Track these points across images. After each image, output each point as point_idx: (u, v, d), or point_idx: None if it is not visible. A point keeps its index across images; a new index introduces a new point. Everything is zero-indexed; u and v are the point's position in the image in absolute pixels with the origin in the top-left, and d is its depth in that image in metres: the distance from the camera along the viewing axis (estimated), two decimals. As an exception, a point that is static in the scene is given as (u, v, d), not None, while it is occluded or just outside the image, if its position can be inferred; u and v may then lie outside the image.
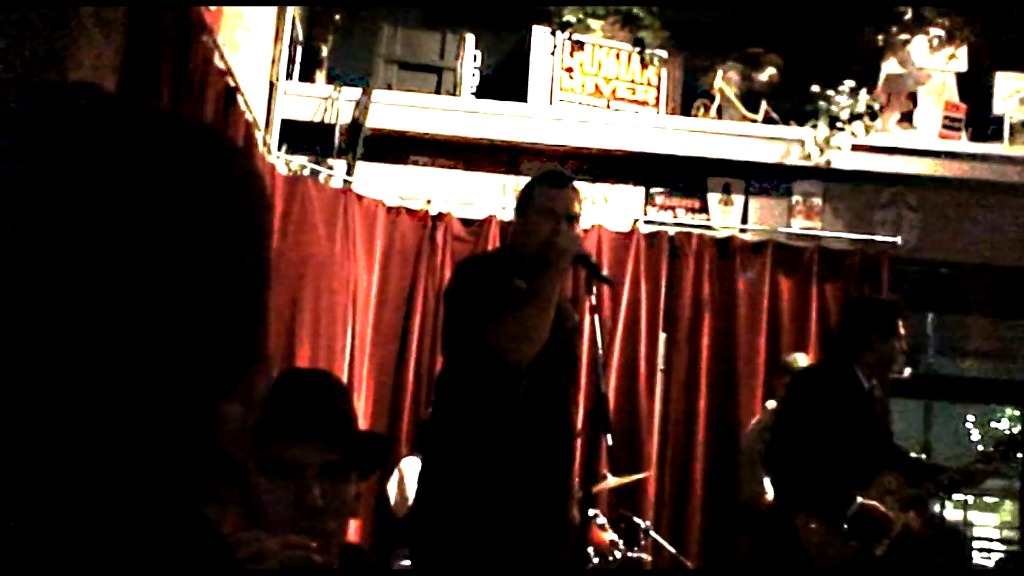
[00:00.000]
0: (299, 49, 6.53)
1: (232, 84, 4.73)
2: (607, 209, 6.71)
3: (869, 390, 4.42)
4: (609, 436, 3.27)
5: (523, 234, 3.43)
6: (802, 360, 5.61)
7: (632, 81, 6.81)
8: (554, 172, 3.66)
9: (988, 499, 15.51)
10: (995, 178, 6.71)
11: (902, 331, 4.41)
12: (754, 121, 6.80)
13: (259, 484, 1.84)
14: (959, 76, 6.95)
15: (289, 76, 6.37)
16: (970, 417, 15.07)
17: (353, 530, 5.83)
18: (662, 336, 6.51)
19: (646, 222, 6.68)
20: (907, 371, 5.22)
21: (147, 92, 3.48)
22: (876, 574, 4.32)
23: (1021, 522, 8.07)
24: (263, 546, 1.72)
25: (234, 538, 1.81)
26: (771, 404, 5.73)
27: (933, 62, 6.87)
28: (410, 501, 5.38)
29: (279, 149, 6.22)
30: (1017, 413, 10.46)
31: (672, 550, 5.78)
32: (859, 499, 4.24)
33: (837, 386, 4.34)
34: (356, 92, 6.41)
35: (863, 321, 4.43)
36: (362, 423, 5.96)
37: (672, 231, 6.63)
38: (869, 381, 4.42)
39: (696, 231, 6.65)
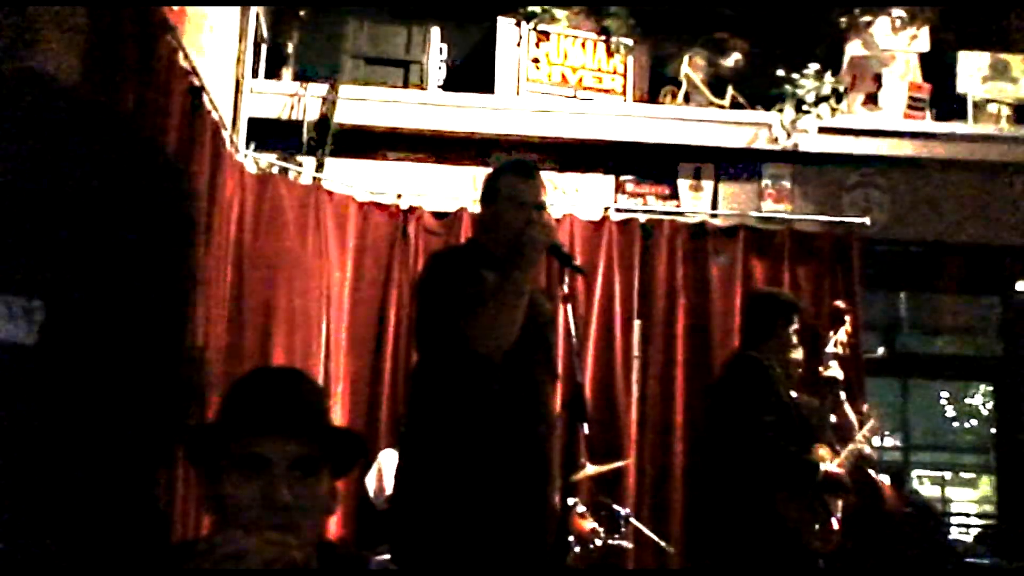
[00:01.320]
0: (264, 46, 6.49)
1: (197, 84, 4.70)
2: (578, 198, 6.71)
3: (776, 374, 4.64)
4: (586, 425, 3.27)
5: (493, 225, 3.42)
6: None
7: (598, 70, 6.80)
8: (519, 161, 3.65)
9: (965, 475, 15.61)
10: (960, 156, 6.76)
11: (796, 324, 4.67)
12: (721, 106, 6.81)
13: (229, 481, 1.83)
14: (922, 56, 6.98)
15: (255, 74, 6.34)
16: (944, 393, 15.17)
17: (335, 525, 5.82)
18: (637, 323, 6.52)
19: (617, 210, 6.68)
20: (881, 351, 5.30)
21: (110, 94, 3.44)
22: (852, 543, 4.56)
23: (998, 497, 8.13)
24: (240, 546, 1.70)
25: (210, 539, 1.79)
26: None
27: (896, 43, 6.90)
28: (387, 492, 5.38)
29: (247, 147, 6.19)
30: (990, 388, 10.53)
31: (653, 536, 5.79)
32: (822, 466, 4.54)
33: (757, 372, 4.49)
34: (323, 88, 6.39)
35: (767, 313, 4.62)
36: (340, 420, 5.96)
37: (643, 218, 6.64)
38: (772, 366, 4.65)
39: (667, 217, 6.66)
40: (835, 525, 4.63)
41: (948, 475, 14.70)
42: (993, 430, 8.55)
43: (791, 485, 4.46)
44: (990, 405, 12.08)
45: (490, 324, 3.12)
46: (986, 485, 14.43)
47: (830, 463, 4.68)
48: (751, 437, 4.38)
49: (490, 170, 3.64)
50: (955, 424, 15.35)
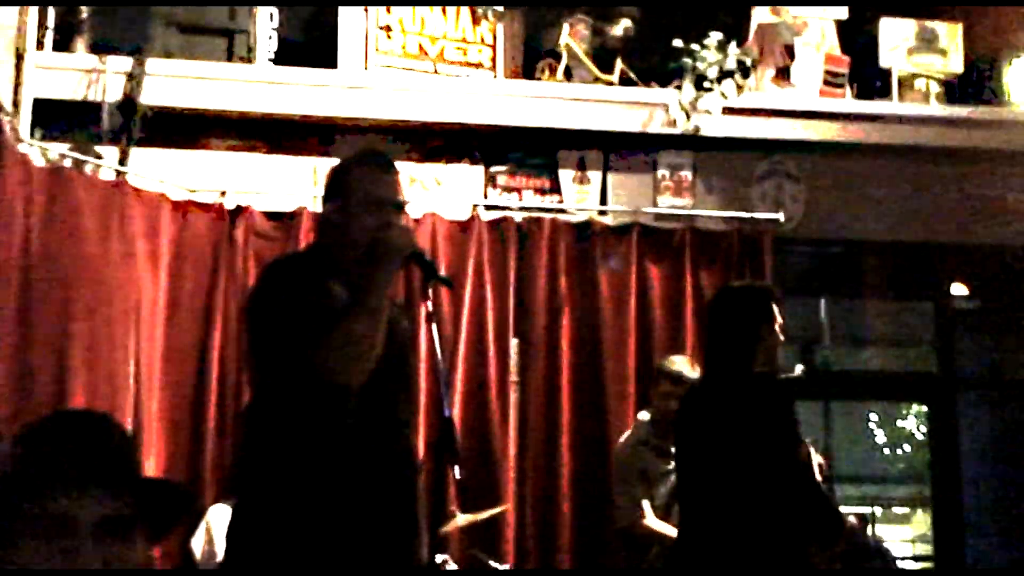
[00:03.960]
0: (52, 12, 6.35)
1: (-31, 58, 4.59)
2: (441, 193, 6.73)
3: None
4: (457, 467, 3.28)
5: (341, 229, 3.41)
6: (681, 364, 5.69)
7: (463, 40, 6.85)
8: (373, 152, 3.65)
9: (897, 510, 16.06)
10: (885, 139, 6.97)
11: (779, 318, 4.58)
12: (609, 83, 6.91)
13: (24, 547, 1.79)
14: (839, 24, 7.19)
15: (41, 45, 6.21)
16: (873, 416, 15.59)
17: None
18: (514, 342, 6.57)
19: (488, 207, 6.72)
20: (799, 368, 5.39)
21: None
22: None
23: (935, 534, 8.39)
24: None
25: None
26: (644, 415, 5.83)
27: (809, 9, 7.08)
28: (219, 556, 5.33)
29: (32, 135, 6.06)
30: (924, 409, 10.87)
31: (537, 596, 5.83)
32: (849, 519, 4.49)
33: (788, 401, 4.44)
34: (127, 62, 6.28)
35: (748, 315, 4.52)
36: (155, 469, 5.86)
37: (519, 217, 6.69)
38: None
39: (548, 215, 6.72)
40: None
41: (878, 511, 15.12)
42: (928, 457, 8.80)
43: (823, 539, 4.49)
44: (925, 429, 12.46)
45: (343, 349, 3.11)
46: (921, 521, 14.89)
47: None
48: (793, 481, 4.28)
49: (336, 162, 3.63)
50: (885, 452, 15.78)
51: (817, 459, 5.32)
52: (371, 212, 3.36)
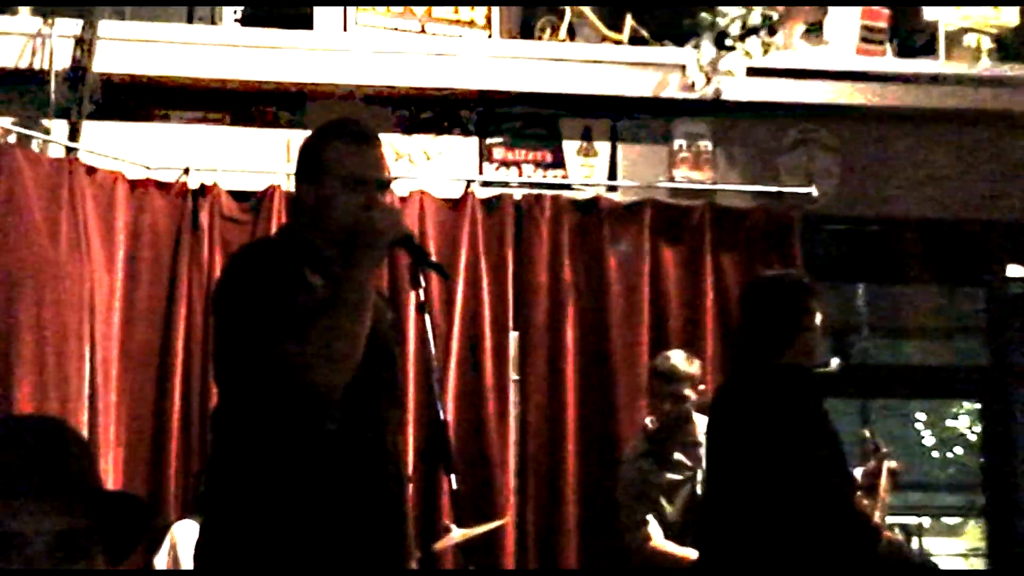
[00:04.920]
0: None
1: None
2: (431, 169, 6.74)
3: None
4: (452, 475, 3.30)
5: (317, 211, 3.42)
6: (676, 359, 5.70)
7: (454, -5, 6.86)
8: (352, 123, 3.65)
9: (947, 520, 16.05)
10: (930, 104, 6.96)
11: (820, 315, 4.59)
12: (618, 43, 6.91)
13: None
14: (879, -27, 7.19)
15: (-22, 8, 6.24)
16: (920, 415, 15.58)
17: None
18: (513, 335, 6.58)
19: (483, 184, 6.74)
20: (835, 362, 5.40)
21: None
22: None
23: (989, 547, 8.41)
24: None
25: None
26: (648, 421, 5.84)
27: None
28: None
29: (-29, 109, 6.09)
30: (976, 407, 10.87)
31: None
32: (885, 534, 4.65)
33: (809, 394, 4.46)
34: (76, 26, 6.30)
35: (783, 309, 4.55)
36: (114, 481, 5.89)
37: (518, 194, 6.71)
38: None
39: (550, 192, 6.74)
40: None
41: (926, 521, 15.10)
42: (982, 461, 8.81)
43: (854, 553, 4.51)
44: (978, 429, 12.47)
45: (322, 346, 3.12)
46: (974, 533, 14.90)
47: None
48: (809, 484, 4.29)
49: (310, 134, 3.64)
50: (933, 455, 15.77)
51: (889, 465, 5.36)
52: (351, 191, 3.36)
